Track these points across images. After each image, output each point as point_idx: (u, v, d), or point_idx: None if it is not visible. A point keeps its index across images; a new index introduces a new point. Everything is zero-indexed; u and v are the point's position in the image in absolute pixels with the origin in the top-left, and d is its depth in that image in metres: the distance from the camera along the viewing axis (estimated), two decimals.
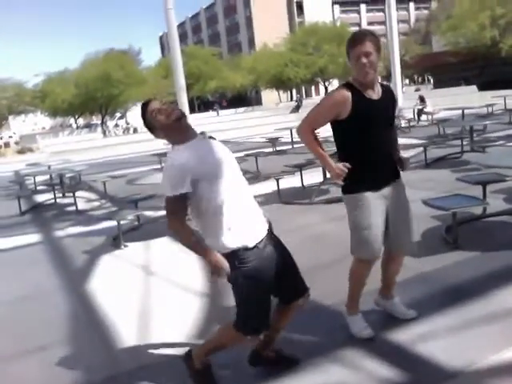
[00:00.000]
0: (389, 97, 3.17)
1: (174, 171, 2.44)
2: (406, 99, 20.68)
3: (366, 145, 3.08)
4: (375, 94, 3.09)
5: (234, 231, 2.50)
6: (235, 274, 2.52)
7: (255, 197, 2.75)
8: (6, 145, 39.77)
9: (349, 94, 3.03)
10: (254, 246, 2.54)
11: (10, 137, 49.74)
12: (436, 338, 3.15)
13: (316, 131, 3.21)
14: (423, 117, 18.39)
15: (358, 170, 3.07)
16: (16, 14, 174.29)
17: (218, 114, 52.42)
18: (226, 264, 2.48)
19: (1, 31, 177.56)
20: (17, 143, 38.41)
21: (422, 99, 19.20)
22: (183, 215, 2.52)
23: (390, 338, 3.23)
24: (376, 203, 3.09)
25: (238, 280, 2.54)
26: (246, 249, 2.51)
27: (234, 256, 2.50)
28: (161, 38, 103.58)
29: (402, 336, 3.22)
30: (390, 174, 3.20)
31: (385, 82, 3.31)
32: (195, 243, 2.52)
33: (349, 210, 3.20)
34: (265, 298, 2.62)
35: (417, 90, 51.46)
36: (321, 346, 3.24)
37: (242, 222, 2.54)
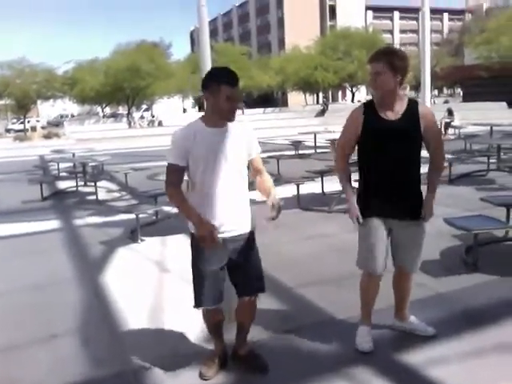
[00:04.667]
0: (410, 117, 3.04)
1: (176, 142, 2.71)
2: (433, 111, 20.36)
3: (374, 166, 3.04)
4: (393, 113, 3.02)
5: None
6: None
7: None
8: (33, 129, 40.50)
9: (361, 111, 3.05)
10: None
11: (38, 121, 50.61)
12: (448, 363, 3.09)
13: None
14: (450, 130, 18.14)
15: (366, 194, 3.09)
16: (50, 3, 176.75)
17: (243, 112, 52.46)
18: (211, 228, 2.65)
19: (35, 20, 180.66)
20: (43, 128, 38.99)
21: (450, 112, 18.94)
22: (179, 182, 2.76)
23: (400, 359, 3.18)
24: (378, 229, 3.08)
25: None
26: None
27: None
28: (191, 32, 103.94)
29: (413, 358, 3.17)
30: (402, 209, 3.08)
31: (415, 98, 3.25)
32: (185, 207, 2.73)
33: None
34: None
35: (445, 102, 50.65)
36: (328, 360, 3.21)
37: (214, 210, 2.72)
